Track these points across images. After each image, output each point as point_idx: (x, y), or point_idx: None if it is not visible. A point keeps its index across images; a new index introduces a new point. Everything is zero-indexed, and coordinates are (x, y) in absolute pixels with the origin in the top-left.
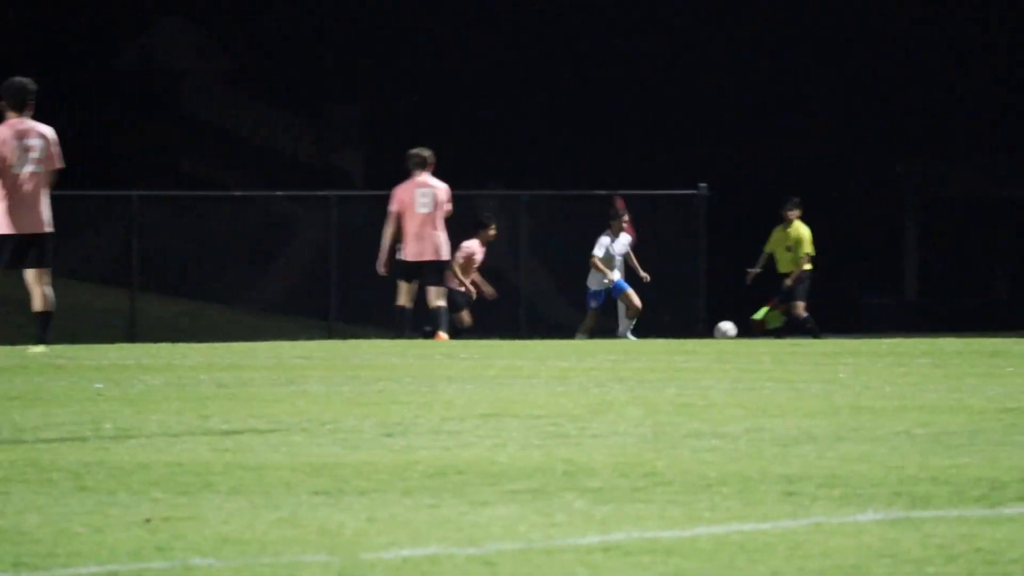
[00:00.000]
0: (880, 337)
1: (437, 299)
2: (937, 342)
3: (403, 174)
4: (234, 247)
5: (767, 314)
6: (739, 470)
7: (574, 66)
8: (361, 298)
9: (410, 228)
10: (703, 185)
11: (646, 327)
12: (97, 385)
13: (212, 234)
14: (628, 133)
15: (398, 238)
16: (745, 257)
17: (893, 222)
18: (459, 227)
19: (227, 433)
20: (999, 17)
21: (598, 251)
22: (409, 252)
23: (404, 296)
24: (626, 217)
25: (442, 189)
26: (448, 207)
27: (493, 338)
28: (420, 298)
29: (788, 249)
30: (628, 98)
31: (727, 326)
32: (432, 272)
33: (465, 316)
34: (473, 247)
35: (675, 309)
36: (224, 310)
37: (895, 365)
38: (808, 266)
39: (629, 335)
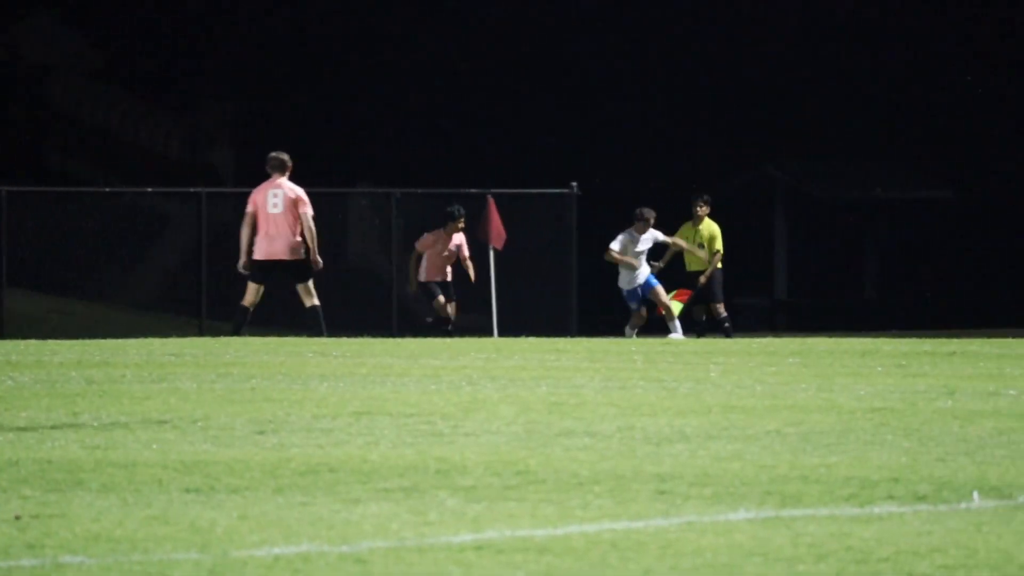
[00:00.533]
0: (751, 336)
1: (306, 297)
2: (807, 342)
3: (265, 175)
4: (104, 243)
5: (674, 301)
6: (611, 468)
7: (445, 65)
8: (232, 295)
9: (262, 228)
10: (574, 184)
11: (520, 326)
12: None
13: (81, 230)
14: (501, 132)
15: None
16: None
17: (763, 222)
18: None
19: (97, 430)
20: (871, 20)
21: (615, 245)
22: (260, 250)
23: (250, 296)
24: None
25: (292, 191)
26: (305, 209)
27: (364, 336)
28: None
29: (701, 246)
30: (500, 97)
31: (678, 335)
32: (290, 272)
33: (443, 305)
34: (428, 240)
35: (547, 307)
36: (94, 307)
37: (766, 364)
38: (719, 264)
39: (677, 333)
